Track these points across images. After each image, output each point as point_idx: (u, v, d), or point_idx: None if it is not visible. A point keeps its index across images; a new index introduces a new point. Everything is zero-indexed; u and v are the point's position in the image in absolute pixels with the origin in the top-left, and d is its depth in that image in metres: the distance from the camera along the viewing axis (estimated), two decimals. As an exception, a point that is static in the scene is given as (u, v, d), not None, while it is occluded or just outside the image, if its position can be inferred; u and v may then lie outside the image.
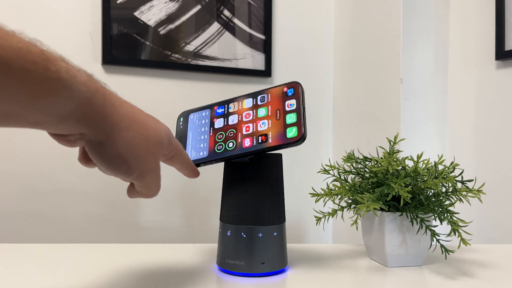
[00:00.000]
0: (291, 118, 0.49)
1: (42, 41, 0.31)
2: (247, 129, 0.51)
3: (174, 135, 0.56)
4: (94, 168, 0.42)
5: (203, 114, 0.56)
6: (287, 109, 0.49)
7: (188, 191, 1.32)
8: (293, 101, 0.49)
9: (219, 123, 0.54)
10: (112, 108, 0.37)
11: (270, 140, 0.48)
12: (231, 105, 0.54)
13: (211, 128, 0.54)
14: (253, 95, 0.53)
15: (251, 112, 0.52)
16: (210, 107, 0.56)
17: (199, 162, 0.52)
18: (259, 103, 0.52)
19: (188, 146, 0.55)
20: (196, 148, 0.54)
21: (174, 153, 0.46)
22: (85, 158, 0.42)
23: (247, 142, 0.50)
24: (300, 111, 0.48)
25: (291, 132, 0.48)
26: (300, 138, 0.47)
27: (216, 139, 0.52)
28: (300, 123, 0.48)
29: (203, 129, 0.55)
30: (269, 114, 0.50)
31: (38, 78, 0.29)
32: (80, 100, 0.33)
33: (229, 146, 0.51)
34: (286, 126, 0.48)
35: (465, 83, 1.17)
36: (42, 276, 0.50)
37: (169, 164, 0.48)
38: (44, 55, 0.30)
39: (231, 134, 0.52)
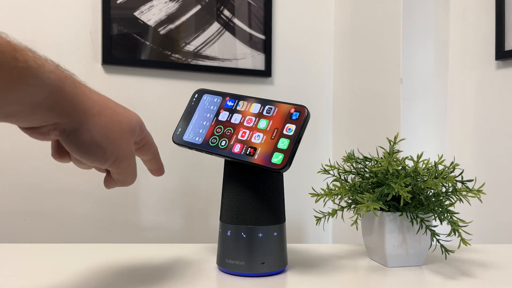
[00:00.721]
0: (283, 143, 0.47)
1: (7, 33, 0.32)
2: (243, 134, 0.51)
3: (185, 109, 0.57)
4: (68, 163, 0.43)
5: (215, 100, 0.56)
6: (284, 132, 0.48)
7: (188, 191, 1.32)
8: (293, 127, 0.48)
9: (223, 116, 0.54)
10: (83, 96, 0.37)
11: (256, 157, 0.48)
12: (241, 102, 0.54)
13: (215, 118, 0.54)
14: (263, 102, 0.52)
15: (253, 118, 0.51)
16: (223, 95, 0.56)
17: (192, 147, 0.53)
18: (264, 113, 0.51)
19: (190, 126, 0.55)
20: (195, 131, 0.54)
21: (145, 142, 0.46)
22: (58, 153, 0.42)
23: (236, 148, 0.50)
24: (294, 139, 0.47)
25: (277, 158, 0.47)
26: (282, 168, 0.46)
27: (215, 131, 0.53)
28: (289, 153, 0.47)
29: (208, 115, 0.55)
30: (268, 129, 0.50)
31: (8, 68, 0.30)
32: (50, 88, 0.33)
33: (222, 144, 0.51)
34: (275, 149, 0.48)
35: (465, 83, 1.17)
36: (42, 276, 0.50)
37: (139, 155, 0.48)
38: (11, 45, 0.31)
39: (228, 132, 0.52)
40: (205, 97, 0.57)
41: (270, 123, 0.50)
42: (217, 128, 0.53)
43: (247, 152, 0.49)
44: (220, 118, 0.54)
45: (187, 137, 0.55)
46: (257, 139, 0.49)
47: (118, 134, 0.40)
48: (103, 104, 0.40)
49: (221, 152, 0.51)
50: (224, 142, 0.51)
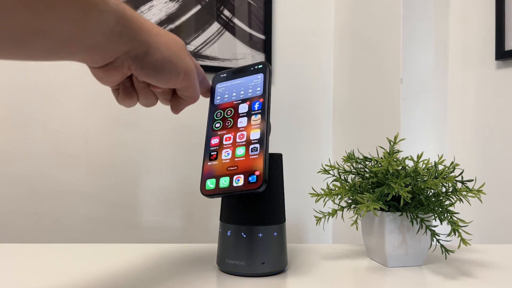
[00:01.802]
0: (224, 182, 0.46)
1: None
2: (227, 139, 0.49)
3: (244, 65, 0.55)
4: (134, 105, 0.45)
5: (257, 88, 0.51)
6: (234, 178, 0.45)
7: (188, 191, 1.32)
8: (240, 184, 0.45)
9: (242, 108, 0.50)
10: (142, 18, 0.40)
11: (209, 163, 0.48)
12: (259, 115, 0.49)
13: (239, 102, 0.51)
14: (261, 136, 0.47)
15: (243, 140, 0.48)
16: (265, 92, 0.50)
17: (211, 99, 0.53)
18: (250, 146, 0.47)
19: (229, 82, 0.53)
20: (223, 91, 0.53)
21: (194, 63, 0.48)
22: (127, 93, 0.44)
23: (214, 141, 0.49)
24: (228, 190, 0.45)
25: (211, 184, 0.46)
26: (204, 194, 0.46)
27: (225, 112, 0.51)
28: (216, 192, 0.45)
29: (241, 93, 0.52)
30: (235, 160, 0.47)
31: None
32: (117, 13, 0.36)
33: (216, 125, 0.51)
34: (217, 178, 0.46)
35: (465, 83, 1.17)
36: (42, 276, 0.50)
37: None
38: None
39: (227, 123, 0.50)
40: (259, 76, 0.52)
41: (241, 159, 0.46)
42: (228, 110, 0.51)
43: (211, 154, 0.48)
44: (239, 107, 0.51)
45: (218, 87, 0.53)
46: (226, 155, 0.48)
47: (180, 49, 0.43)
48: (156, 25, 0.42)
49: (209, 132, 0.50)
50: (218, 124, 0.51)
